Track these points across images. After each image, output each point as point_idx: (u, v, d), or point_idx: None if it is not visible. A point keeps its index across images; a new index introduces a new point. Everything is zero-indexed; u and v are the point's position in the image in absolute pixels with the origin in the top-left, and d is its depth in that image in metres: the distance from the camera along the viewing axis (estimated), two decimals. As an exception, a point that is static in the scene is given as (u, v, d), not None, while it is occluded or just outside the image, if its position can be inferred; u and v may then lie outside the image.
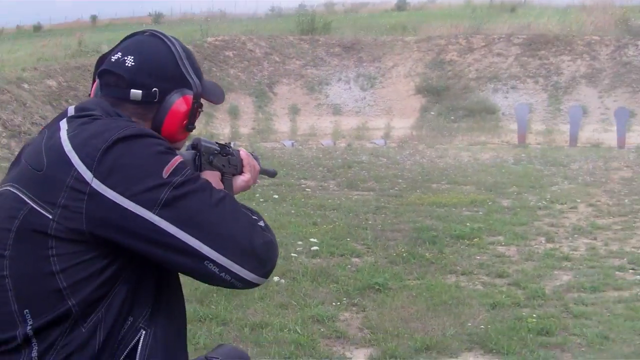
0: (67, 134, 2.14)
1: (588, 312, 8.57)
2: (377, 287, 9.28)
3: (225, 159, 2.69)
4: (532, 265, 10.66)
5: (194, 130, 2.50)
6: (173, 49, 2.38)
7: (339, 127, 29.76)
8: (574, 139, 26.05)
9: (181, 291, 2.42)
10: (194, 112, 2.40)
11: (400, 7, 62.52)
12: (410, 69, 35.16)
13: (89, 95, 2.48)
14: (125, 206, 2.02)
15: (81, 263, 2.06)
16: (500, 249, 11.59)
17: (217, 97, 2.59)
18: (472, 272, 10.25)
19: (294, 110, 31.59)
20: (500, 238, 12.20)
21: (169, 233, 2.05)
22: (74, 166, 2.06)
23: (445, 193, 16.41)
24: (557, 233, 12.67)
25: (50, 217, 2.05)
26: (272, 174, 3.23)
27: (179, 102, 2.36)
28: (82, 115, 2.23)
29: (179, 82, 2.37)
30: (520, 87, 33.31)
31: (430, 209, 14.46)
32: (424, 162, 21.69)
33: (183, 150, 2.54)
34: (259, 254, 2.17)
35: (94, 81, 2.47)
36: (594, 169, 20.12)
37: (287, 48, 35.87)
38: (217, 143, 2.69)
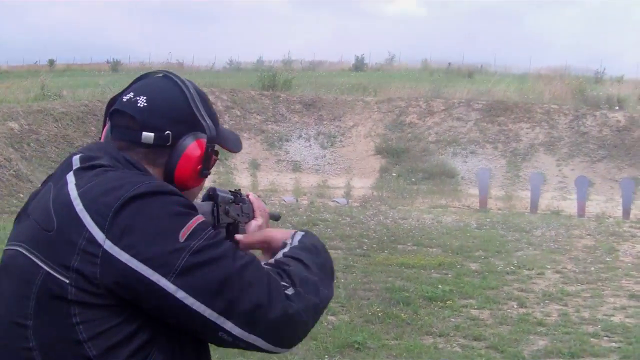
0: (77, 191, 2.01)
1: (570, 378, 8.67)
2: (357, 345, 9.32)
3: (238, 207, 2.58)
4: (507, 329, 10.73)
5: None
6: (186, 90, 2.26)
7: (299, 184, 29.73)
8: (534, 206, 26.25)
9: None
10: (208, 156, 2.26)
11: (358, 68, 62.97)
12: (370, 129, 35.39)
13: (100, 138, 2.37)
14: (139, 270, 1.89)
15: (108, 330, 1.93)
16: (474, 312, 11.65)
17: (234, 144, 2.47)
18: (449, 334, 10.32)
19: (254, 165, 31.57)
20: (472, 301, 12.27)
21: (184, 303, 1.91)
22: (85, 227, 1.93)
23: (412, 254, 16.43)
24: (527, 298, 12.74)
25: (67, 281, 1.92)
26: (277, 218, 3.04)
27: (192, 146, 2.23)
28: (90, 166, 2.10)
29: (192, 125, 2.25)
30: (480, 152, 33.65)
31: (399, 269, 14.50)
32: (388, 223, 21.70)
33: (199, 199, 2.45)
34: (276, 326, 2.01)
35: (104, 124, 2.34)
36: (556, 236, 20.25)
37: (248, 103, 35.95)
38: (229, 191, 2.60)
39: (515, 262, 16.09)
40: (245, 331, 1.96)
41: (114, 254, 1.89)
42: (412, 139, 34.63)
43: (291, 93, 38.11)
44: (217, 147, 2.35)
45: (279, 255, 2.23)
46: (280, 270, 2.12)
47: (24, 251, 2.03)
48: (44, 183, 2.21)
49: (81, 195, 1.99)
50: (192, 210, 2.04)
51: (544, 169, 31.18)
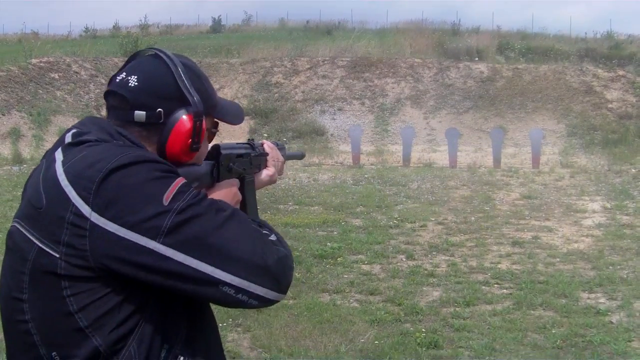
0: (63, 166, 2.05)
1: (468, 325, 8.85)
2: (257, 308, 9.30)
3: (246, 161, 2.63)
4: (400, 282, 10.90)
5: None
6: (172, 67, 2.27)
7: (169, 150, 29.50)
8: (406, 159, 26.66)
9: (213, 315, 2.36)
10: (197, 130, 2.26)
11: (216, 29, 62.20)
12: (237, 91, 35.29)
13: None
14: (128, 237, 1.93)
15: (97, 300, 1.97)
16: (365, 267, 11.80)
17: (233, 117, 2.48)
18: (344, 290, 10.41)
19: (124, 133, 31.16)
20: (362, 257, 12.44)
21: (177, 261, 1.95)
22: (71, 201, 1.96)
23: (295, 214, 16.53)
24: (415, 251, 12.97)
25: (57, 255, 1.96)
26: (300, 157, 3.25)
27: (181, 121, 2.24)
28: (78, 142, 2.13)
29: (182, 101, 2.25)
30: (347, 108, 33.96)
31: (284, 229, 14.50)
32: (265, 184, 21.71)
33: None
34: (274, 271, 2.07)
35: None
36: (432, 188, 20.66)
37: (112, 70, 35.21)
38: (238, 144, 2.64)
39: (397, 215, 16.36)
40: (247, 280, 2.02)
41: (101, 224, 1.94)
42: (280, 99, 34.73)
43: (155, 58, 37.64)
44: (216, 120, 2.42)
45: None
46: (257, 221, 2.28)
47: (20, 228, 2.10)
48: (41, 161, 2.24)
49: (66, 171, 2.04)
50: (173, 174, 2.08)
51: (411, 122, 31.66)
